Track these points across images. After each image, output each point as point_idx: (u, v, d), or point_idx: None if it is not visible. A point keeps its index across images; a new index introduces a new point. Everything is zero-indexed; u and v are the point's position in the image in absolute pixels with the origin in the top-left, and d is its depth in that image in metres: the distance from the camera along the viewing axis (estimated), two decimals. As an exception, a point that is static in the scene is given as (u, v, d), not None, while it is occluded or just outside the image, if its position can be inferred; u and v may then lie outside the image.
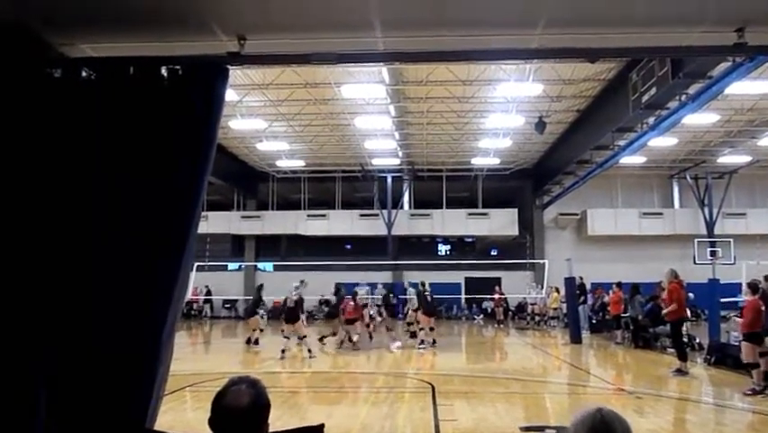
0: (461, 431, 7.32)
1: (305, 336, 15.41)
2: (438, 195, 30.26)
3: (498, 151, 25.89)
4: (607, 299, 20.22)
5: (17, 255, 2.96)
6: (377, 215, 29.96)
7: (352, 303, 16.76)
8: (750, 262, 21.70)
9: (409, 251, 31.50)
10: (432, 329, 17.00)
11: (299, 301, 15.64)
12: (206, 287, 29.90)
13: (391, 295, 17.59)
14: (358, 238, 31.09)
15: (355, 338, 16.55)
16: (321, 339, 17.41)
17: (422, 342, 16.56)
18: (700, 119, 20.09)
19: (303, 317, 16.51)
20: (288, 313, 15.24)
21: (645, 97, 15.09)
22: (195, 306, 29.79)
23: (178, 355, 3.59)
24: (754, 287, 10.47)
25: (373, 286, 27.54)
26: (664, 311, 12.78)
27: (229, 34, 3.37)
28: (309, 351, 14.60)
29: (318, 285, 28.46)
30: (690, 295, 15.46)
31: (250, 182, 31.59)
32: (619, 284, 18.70)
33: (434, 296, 18.07)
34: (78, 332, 2.93)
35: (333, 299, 18.53)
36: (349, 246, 33.34)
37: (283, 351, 14.45)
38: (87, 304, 2.95)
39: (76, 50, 3.47)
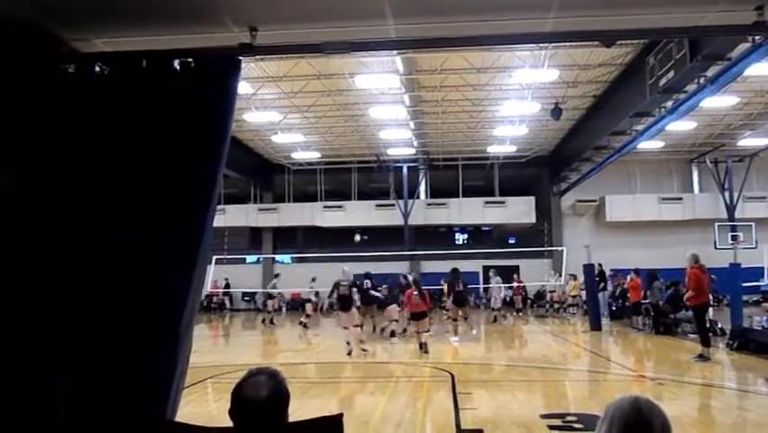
0: (481, 420, 7.31)
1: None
2: (454, 184, 30.17)
3: (515, 138, 25.72)
4: (626, 285, 20.10)
5: (31, 250, 2.99)
6: (393, 205, 29.95)
7: (415, 292, 13.98)
8: (772, 245, 21.45)
9: (426, 240, 31.46)
10: (455, 320, 16.13)
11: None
12: (225, 279, 30.13)
13: (456, 282, 16.13)
14: (374, 229, 31.10)
15: (426, 335, 13.98)
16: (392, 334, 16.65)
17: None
18: (719, 102, 19.76)
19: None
20: None
21: (663, 81, 14.89)
22: (215, 299, 30.06)
23: (198, 348, 3.61)
24: None
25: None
26: (684, 297, 12.66)
27: (240, 26, 3.36)
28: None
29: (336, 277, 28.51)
30: (713, 276, 15.23)
31: (266, 175, 31.73)
32: (636, 271, 18.61)
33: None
34: (97, 327, 2.95)
35: (367, 283, 17.88)
36: (366, 237, 33.34)
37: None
38: (103, 301, 2.97)
39: (89, 45, 3.48)
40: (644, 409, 1.85)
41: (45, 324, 2.93)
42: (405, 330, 16.69)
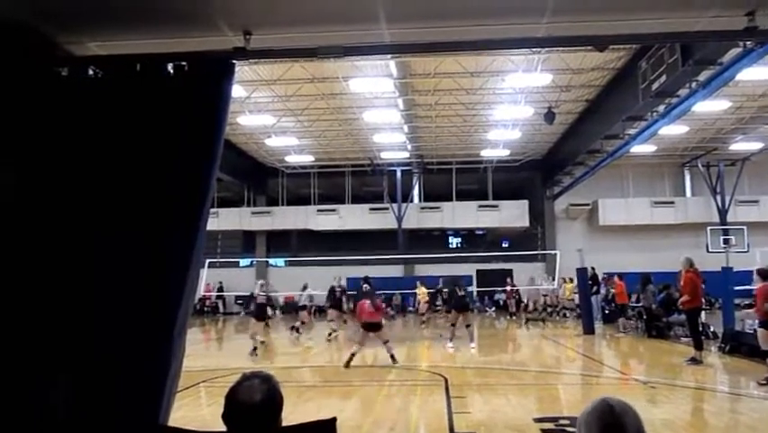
0: (474, 423, 7.31)
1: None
2: (448, 188, 30.22)
3: (508, 142, 25.80)
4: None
5: (29, 252, 2.98)
6: (387, 209, 29.97)
7: (368, 302, 12.68)
8: (764, 249, 21.53)
9: (420, 244, 31.49)
10: (453, 325, 15.49)
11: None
12: (219, 283, 30.04)
13: (457, 288, 15.66)
14: (368, 232, 31.11)
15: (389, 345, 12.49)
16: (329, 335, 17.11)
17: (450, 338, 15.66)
18: (711, 106, 19.91)
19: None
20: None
21: (655, 85, 14.98)
22: (207, 302, 29.95)
23: (191, 352, 3.60)
24: (764, 273, 10.35)
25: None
26: (679, 301, 12.71)
27: (235, 30, 3.36)
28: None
29: (329, 280, 28.51)
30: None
31: (259, 178, 31.71)
32: (620, 275, 19.11)
33: (445, 289, 17.74)
34: (90, 331, 2.94)
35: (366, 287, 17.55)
36: (359, 240, 33.30)
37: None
38: (98, 302, 2.96)
39: (82, 48, 3.47)
40: (615, 406, 1.92)
41: (45, 324, 2.92)
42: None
